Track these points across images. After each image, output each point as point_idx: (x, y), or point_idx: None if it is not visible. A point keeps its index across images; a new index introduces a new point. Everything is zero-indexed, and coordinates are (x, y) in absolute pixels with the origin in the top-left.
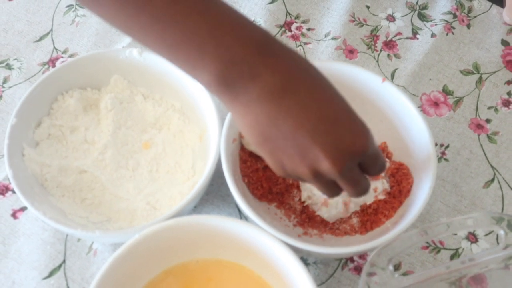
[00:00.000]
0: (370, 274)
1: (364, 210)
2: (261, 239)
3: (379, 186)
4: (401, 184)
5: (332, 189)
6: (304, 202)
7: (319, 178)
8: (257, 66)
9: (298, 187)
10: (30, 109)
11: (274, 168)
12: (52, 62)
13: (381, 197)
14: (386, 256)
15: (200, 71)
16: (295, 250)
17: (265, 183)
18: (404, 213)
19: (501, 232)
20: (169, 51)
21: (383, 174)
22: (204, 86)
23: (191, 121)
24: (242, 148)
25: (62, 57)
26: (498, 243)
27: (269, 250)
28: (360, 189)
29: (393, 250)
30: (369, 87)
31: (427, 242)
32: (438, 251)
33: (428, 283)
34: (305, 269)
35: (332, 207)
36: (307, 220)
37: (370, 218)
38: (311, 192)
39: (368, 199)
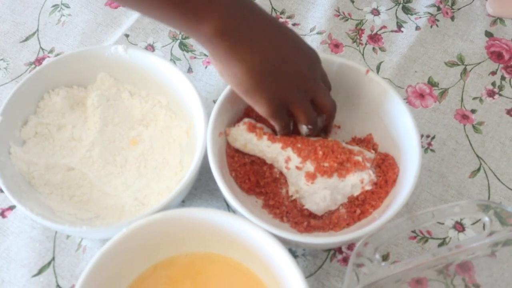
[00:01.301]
0: (358, 265)
1: (351, 202)
2: (249, 231)
3: (365, 177)
4: (387, 174)
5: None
6: (291, 196)
7: (303, 94)
8: (255, 7)
9: (285, 182)
10: (16, 108)
11: (266, 106)
12: (38, 61)
13: (368, 187)
14: (373, 245)
15: (202, 21)
16: (283, 241)
17: (252, 176)
18: (391, 202)
19: (486, 219)
20: (173, 5)
21: (368, 165)
22: (203, 40)
23: (178, 116)
24: (229, 144)
25: (48, 57)
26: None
27: (257, 242)
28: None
29: (379, 239)
30: (354, 78)
31: (415, 232)
32: (426, 241)
33: (415, 271)
34: (293, 260)
35: (320, 199)
36: (295, 213)
37: (358, 209)
38: (298, 186)
39: (355, 190)
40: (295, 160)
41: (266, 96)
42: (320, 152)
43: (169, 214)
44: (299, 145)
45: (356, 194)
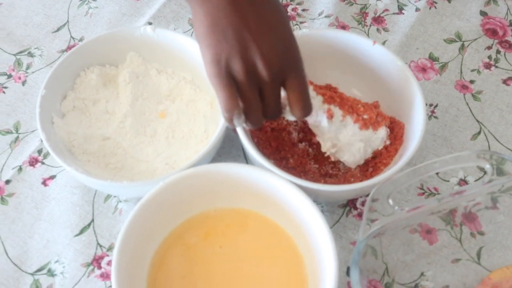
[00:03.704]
0: (372, 220)
1: (365, 160)
2: (274, 183)
3: (384, 134)
4: (394, 130)
5: (256, 99)
6: (325, 153)
7: (250, 78)
8: None
9: (304, 146)
10: (56, 83)
11: (210, 63)
12: (70, 49)
13: (388, 142)
14: (385, 192)
15: None
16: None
17: (273, 142)
18: (400, 158)
19: (487, 166)
20: None
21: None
22: None
23: (202, 90)
24: None
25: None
26: None
27: (282, 194)
28: (276, 110)
29: (389, 186)
30: (361, 50)
31: (423, 189)
32: (433, 197)
33: (421, 215)
34: (317, 209)
35: (356, 151)
36: (313, 172)
37: (370, 167)
38: (336, 139)
39: (381, 143)
40: (337, 113)
41: (210, 52)
42: (360, 106)
43: (201, 169)
44: (339, 99)
45: (380, 148)
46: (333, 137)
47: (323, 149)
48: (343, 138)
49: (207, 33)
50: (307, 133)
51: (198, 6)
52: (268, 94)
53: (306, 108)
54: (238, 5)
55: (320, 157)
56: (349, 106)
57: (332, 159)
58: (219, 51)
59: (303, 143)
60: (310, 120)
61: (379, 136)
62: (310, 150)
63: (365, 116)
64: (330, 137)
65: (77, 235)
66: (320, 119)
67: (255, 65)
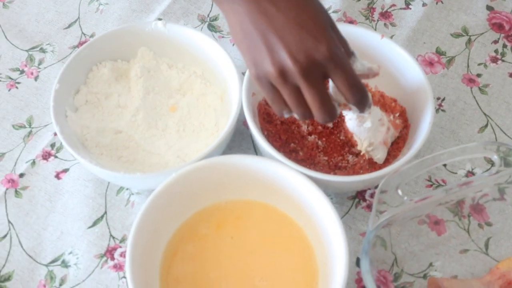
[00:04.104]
0: (381, 212)
1: None
2: (284, 175)
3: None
4: (400, 117)
5: (297, 98)
6: (360, 152)
7: (283, 79)
8: None
9: (314, 139)
10: (70, 78)
11: (249, 66)
12: (81, 44)
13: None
14: (394, 183)
15: None
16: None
17: (283, 135)
18: (409, 151)
19: (495, 157)
20: None
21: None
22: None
23: (212, 84)
24: (260, 106)
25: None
26: None
27: (292, 186)
28: (324, 104)
29: (397, 178)
30: (370, 44)
31: (431, 181)
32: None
33: (429, 206)
34: (328, 200)
35: (386, 148)
36: (322, 165)
37: None
38: (374, 138)
39: (395, 137)
40: (378, 113)
41: (247, 57)
42: (393, 104)
43: (212, 161)
44: (382, 100)
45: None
46: (371, 136)
47: (360, 147)
48: (379, 136)
49: (240, 39)
50: (316, 126)
51: (232, 12)
52: (305, 90)
53: (358, 90)
54: (262, 7)
55: (329, 150)
56: (388, 105)
57: (367, 157)
58: (253, 56)
59: (313, 136)
60: (352, 120)
61: (396, 131)
62: (320, 142)
63: (397, 114)
64: (368, 136)
65: (90, 227)
66: (365, 118)
67: (284, 64)
